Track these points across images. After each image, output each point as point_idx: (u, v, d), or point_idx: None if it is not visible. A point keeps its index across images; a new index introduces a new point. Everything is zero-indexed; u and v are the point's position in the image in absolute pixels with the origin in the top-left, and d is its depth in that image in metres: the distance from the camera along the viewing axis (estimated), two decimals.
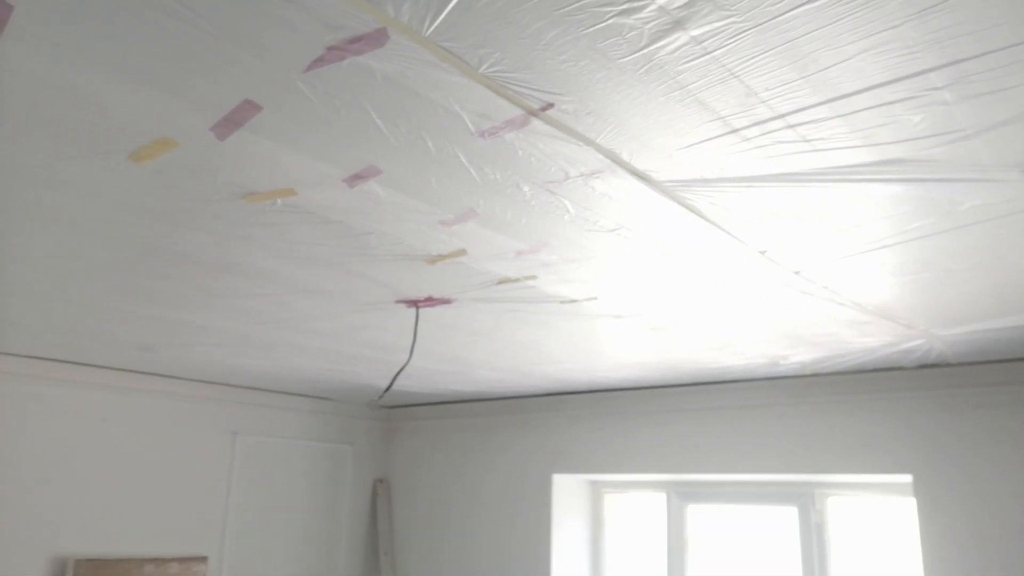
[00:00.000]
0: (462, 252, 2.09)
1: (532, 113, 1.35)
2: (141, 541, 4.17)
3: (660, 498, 4.52)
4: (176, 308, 2.76)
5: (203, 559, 4.38)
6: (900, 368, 3.43)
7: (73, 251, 2.16)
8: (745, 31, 1.12)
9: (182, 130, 1.44)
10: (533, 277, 2.27)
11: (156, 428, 4.34)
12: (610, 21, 1.10)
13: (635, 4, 1.07)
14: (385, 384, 4.27)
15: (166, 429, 4.38)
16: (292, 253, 2.13)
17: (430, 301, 2.57)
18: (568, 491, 4.70)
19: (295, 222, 1.90)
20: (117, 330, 3.15)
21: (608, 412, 4.45)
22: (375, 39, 1.15)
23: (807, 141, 1.43)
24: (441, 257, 2.13)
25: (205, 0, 1.08)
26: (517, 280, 2.31)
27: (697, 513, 4.40)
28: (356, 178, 1.64)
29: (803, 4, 1.07)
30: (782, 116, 1.35)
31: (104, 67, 1.24)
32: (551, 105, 1.33)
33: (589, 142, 1.46)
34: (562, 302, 2.52)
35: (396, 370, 3.81)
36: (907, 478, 3.45)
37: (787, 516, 4.03)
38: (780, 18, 1.10)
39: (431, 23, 1.12)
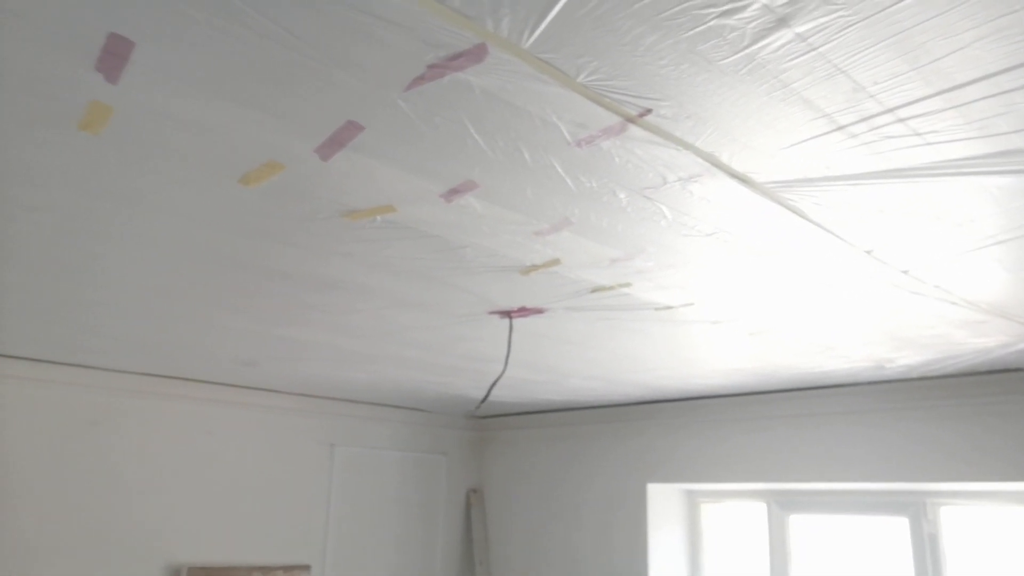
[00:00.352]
0: (556, 262, 2.09)
1: (630, 120, 1.35)
2: (248, 550, 4.33)
3: (760, 508, 4.39)
4: (279, 324, 2.86)
5: (306, 567, 4.50)
6: (1017, 370, 3.24)
7: (181, 272, 2.26)
8: (853, 25, 1.09)
9: (288, 153, 1.50)
10: (628, 284, 2.25)
11: (259, 440, 4.49)
12: (712, 23, 1.09)
13: (738, 4, 1.05)
14: (478, 394, 4.31)
15: (268, 441, 4.53)
16: (390, 268, 2.18)
17: (523, 311, 2.58)
18: (664, 501, 4.63)
19: (393, 237, 1.94)
20: (223, 347, 3.28)
21: (704, 419, 4.37)
22: (475, 55, 1.17)
23: (918, 135, 1.38)
24: (535, 267, 2.14)
25: (313, 27, 1.11)
26: (611, 288, 2.29)
27: (800, 523, 4.26)
28: (453, 192, 1.66)
29: None
30: (892, 110, 1.30)
31: (217, 96, 1.30)
32: (649, 111, 1.32)
33: (688, 146, 1.44)
34: (657, 309, 2.49)
35: (489, 380, 3.84)
36: None
37: (897, 527, 3.86)
38: (890, 9, 1.06)
39: (530, 35, 1.13)
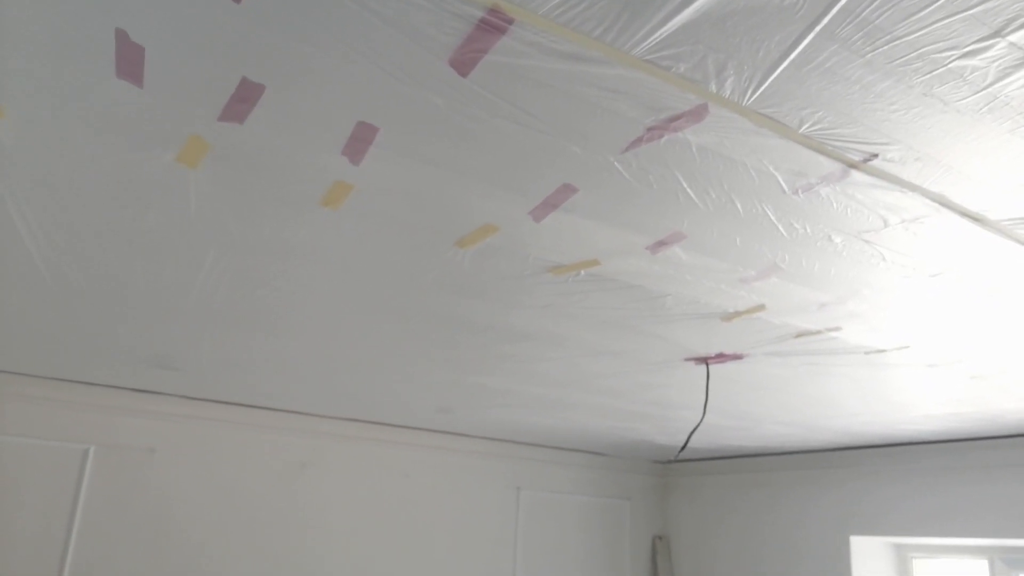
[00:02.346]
0: (760, 308, 2.04)
1: (852, 166, 1.31)
2: None
3: (982, 566, 3.99)
4: (474, 373, 2.97)
5: None
6: None
7: (391, 327, 2.40)
8: None
9: (503, 216, 1.57)
10: (837, 328, 2.16)
11: (450, 483, 4.64)
12: (951, 65, 1.05)
13: (981, 44, 1.01)
14: (664, 440, 4.24)
15: (458, 484, 4.67)
16: (587, 318, 2.21)
17: (721, 357, 2.53)
18: (869, 555, 4.31)
19: (594, 289, 1.97)
20: (421, 394, 3.44)
21: (913, 467, 4.05)
22: (695, 115, 1.19)
23: None
24: (738, 314, 2.10)
25: (546, 105, 1.18)
26: (818, 332, 2.20)
27: None
28: (660, 245, 1.67)
29: None
30: None
31: (446, 170, 1.39)
32: (875, 156, 1.28)
33: (914, 188, 1.37)
34: (867, 352, 2.36)
35: (677, 426, 3.78)
36: None
37: None
38: None
39: (753, 93, 1.13)
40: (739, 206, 1.48)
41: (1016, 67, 1.05)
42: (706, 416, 3.44)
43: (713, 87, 1.12)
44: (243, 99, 1.20)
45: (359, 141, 1.31)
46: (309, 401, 3.80)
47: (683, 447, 3.44)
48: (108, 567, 3.54)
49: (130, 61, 1.12)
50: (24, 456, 3.47)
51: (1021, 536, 3.61)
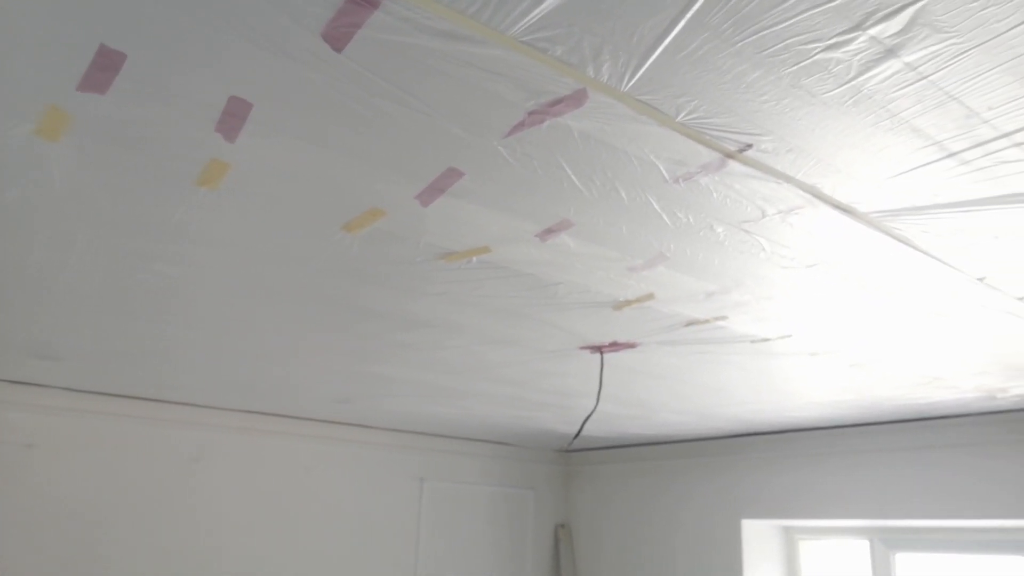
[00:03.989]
0: (650, 296, 2.07)
1: (729, 156, 1.34)
2: None
3: (863, 546, 4.20)
4: (372, 362, 2.92)
5: None
6: None
7: (280, 314, 2.34)
8: (967, 52, 1.06)
9: (390, 200, 1.54)
10: (723, 317, 2.22)
11: (351, 475, 4.57)
12: (816, 57, 1.08)
13: (844, 37, 1.04)
14: (566, 429, 4.29)
15: (360, 476, 4.61)
16: (483, 306, 2.20)
17: (615, 346, 2.57)
18: (759, 537, 4.48)
19: (487, 277, 1.96)
20: (318, 384, 3.37)
21: (800, 453, 4.22)
22: (575, 100, 1.19)
23: None
24: (628, 302, 2.13)
25: (423, 83, 1.15)
26: (706, 321, 2.26)
27: (907, 562, 4.05)
28: (548, 232, 1.68)
29: None
30: (1008, 135, 1.25)
31: (327, 149, 1.35)
32: (749, 146, 1.31)
33: (789, 179, 1.42)
34: (753, 341, 2.44)
35: (577, 415, 3.82)
36: None
37: (1016, 567, 3.63)
38: (1007, 34, 1.03)
39: (630, 79, 1.14)
40: (623, 194, 1.50)
41: (877, 61, 1.09)
42: (602, 405, 3.49)
43: (591, 72, 1.12)
44: (103, 67, 1.13)
45: (233, 117, 1.25)
46: (200, 392, 3.67)
47: (576, 435, 3.49)
48: None
49: None
50: None
51: (899, 517, 3.82)
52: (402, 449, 4.80)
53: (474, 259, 1.84)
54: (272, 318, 2.38)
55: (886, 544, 4.09)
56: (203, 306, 2.28)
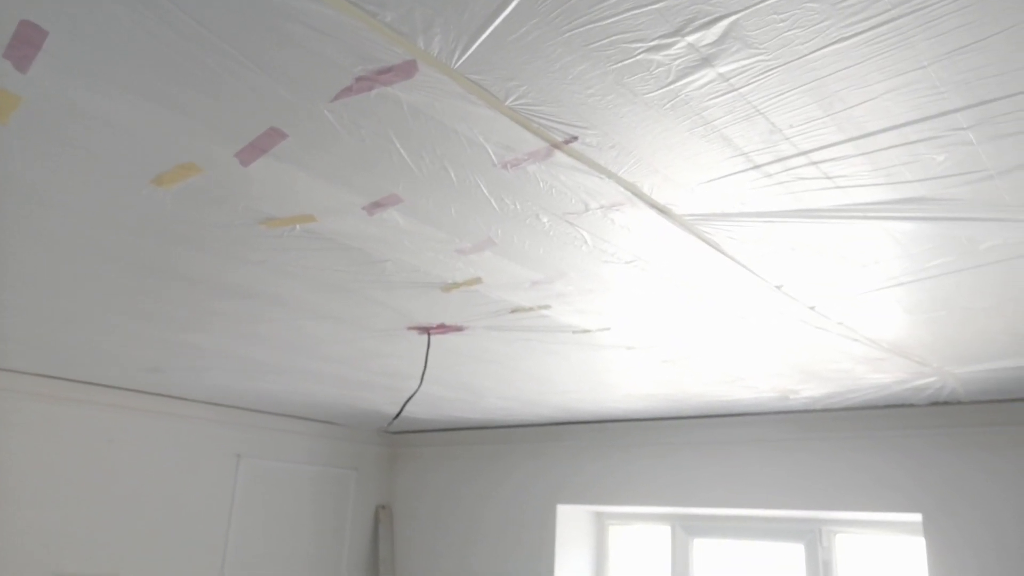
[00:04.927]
0: (477, 280, 2.08)
1: (555, 146, 1.36)
2: (143, 563, 4.14)
3: (665, 531, 4.47)
4: (186, 331, 2.76)
5: None
6: (912, 405, 3.40)
7: (83, 272, 2.16)
8: (773, 69, 1.13)
9: (206, 156, 1.45)
10: (547, 307, 2.27)
11: (161, 449, 4.32)
12: (639, 57, 1.11)
13: (665, 41, 1.08)
14: (393, 410, 4.25)
15: (170, 450, 4.36)
16: (307, 279, 2.13)
17: (442, 328, 2.57)
18: (572, 522, 4.65)
19: (312, 248, 1.90)
20: (126, 351, 3.15)
21: (614, 443, 4.43)
22: (404, 70, 1.16)
23: (829, 178, 1.43)
24: (456, 285, 2.13)
25: (240, 31, 1.09)
26: (531, 309, 2.30)
27: (703, 547, 4.35)
28: (376, 206, 1.64)
29: (833, 43, 1.07)
30: (805, 153, 1.35)
31: (133, 93, 1.25)
32: (575, 138, 1.34)
33: (611, 175, 1.46)
34: (575, 332, 2.52)
35: (404, 396, 3.80)
36: (917, 517, 3.41)
37: (794, 553, 3.98)
38: (809, 56, 1.10)
39: (460, 56, 1.13)
40: (452, 175, 1.49)
41: (694, 68, 1.14)
42: (428, 387, 3.49)
43: (421, 44, 1.10)
44: None
45: (24, 44, 1.13)
46: None
47: (396, 416, 3.48)
48: None
49: None
50: None
51: (698, 505, 4.08)
52: (218, 424, 4.59)
53: (298, 227, 1.77)
54: (80, 277, 2.19)
55: (686, 530, 4.37)
56: None
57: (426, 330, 2.59)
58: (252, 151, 1.42)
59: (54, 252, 2.00)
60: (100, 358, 3.33)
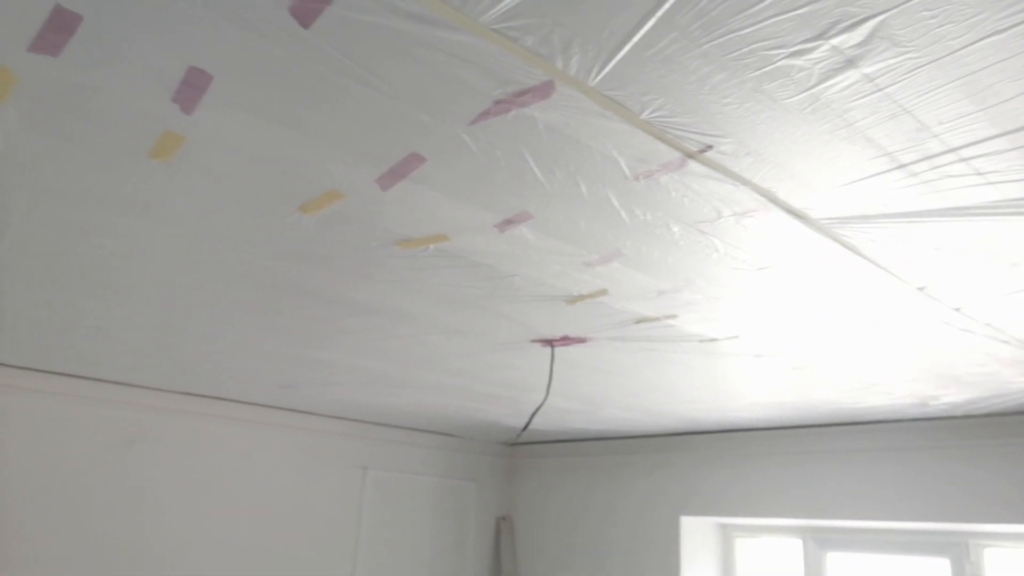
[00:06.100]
0: (603, 292, 2.09)
1: (690, 156, 1.36)
2: (278, 572, 4.33)
3: (796, 544, 4.32)
4: (318, 348, 2.89)
5: None
6: None
7: (228, 294, 2.28)
8: (922, 66, 1.09)
9: (349, 182, 1.53)
10: (673, 316, 2.25)
11: (294, 462, 4.51)
12: (780, 63, 1.10)
13: (807, 45, 1.06)
14: (512, 422, 4.30)
15: (303, 463, 4.55)
16: (435, 295, 2.20)
17: (565, 340, 2.59)
18: (697, 534, 4.57)
19: (443, 266, 1.96)
20: (262, 369, 3.32)
21: (740, 453, 4.32)
22: (542, 91, 1.19)
23: (980, 174, 1.37)
24: (581, 297, 2.14)
25: (389, 65, 1.14)
26: (656, 319, 2.29)
27: (837, 562, 4.18)
28: (507, 223, 1.68)
29: (987, 36, 1.03)
30: (955, 150, 1.29)
31: (287, 127, 1.33)
32: (710, 147, 1.33)
33: (746, 182, 1.44)
34: (701, 341, 2.48)
35: (525, 407, 3.84)
36: None
37: (938, 568, 3.77)
38: (961, 52, 1.06)
39: (598, 73, 1.14)
40: (584, 189, 1.51)
41: (837, 71, 1.11)
42: (551, 399, 3.51)
43: (559, 64, 1.12)
44: (58, 29, 1.10)
45: (191, 88, 1.22)
46: (139, 372, 3.57)
47: (524, 428, 3.50)
48: None
49: None
50: None
51: (832, 517, 3.93)
52: (345, 437, 4.76)
53: (431, 247, 1.83)
54: (218, 299, 2.33)
55: (818, 543, 4.21)
56: (146, 283, 2.22)
57: (550, 342, 2.61)
58: (392, 176, 1.48)
59: (199, 276, 2.14)
60: (237, 375, 3.52)
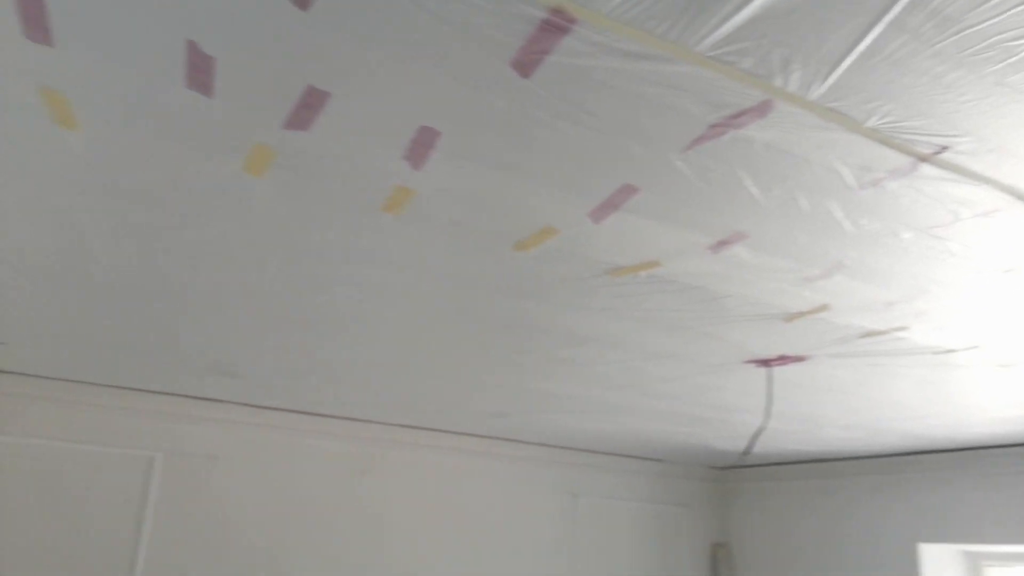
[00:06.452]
0: (824, 307, 2.00)
1: (922, 159, 1.28)
2: None
3: None
4: (535, 378, 2.97)
5: None
6: None
7: (447, 332, 2.42)
8: None
9: (563, 218, 1.58)
10: (903, 328, 2.10)
11: (505, 489, 4.65)
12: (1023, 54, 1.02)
13: None
14: (723, 445, 4.18)
15: (514, 490, 4.67)
16: (646, 320, 2.20)
17: (783, 360, 2.49)
18: (939, 563, 4.18)
19: (654, 291, 1.96)
20: (481, 400, 3.46)
21: (983, 472, 3.92)
22: (759, 111, 1.17)
23: None
24: (800, 314, 2.06)
25: (607, 103, 1.18)
26: (884, 332, 2.15)
27: None
28: (721, 244, 1.66)
29: None
30: None
31: (508, 173, 1.40)
32: (945, 148, 1.25)
33: (987, 180, 1.34)
34: (936, 353, 2.30)
35: (736, 430, 3.72)
36: None
37: None
38: None
39: (819, 87, 1.11)
40: (803, 203, 1.46)
41: None
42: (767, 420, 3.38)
43: (778, 82, 1.11)
44: (308, 106, 1.23)
45: (421, 145, 1.32)
46: (367, 408, 3.85)
47: (746, 451, 3.39)
48: (177, 573, 3.63)
49: (200, 71, 1.16)
50: (93, 464, 3.58)
51: None
52: (554, 464, 4.83)
53: (643, 274, 1.84)
54: (442, 336, 2.47)
55: None
56: (376, 326, 2.40)
57: (765, 362, 2.53)
58: (605, 208, 1.52)
59: (425, 317, 2.28)
60: (455, 407, 3.69)
